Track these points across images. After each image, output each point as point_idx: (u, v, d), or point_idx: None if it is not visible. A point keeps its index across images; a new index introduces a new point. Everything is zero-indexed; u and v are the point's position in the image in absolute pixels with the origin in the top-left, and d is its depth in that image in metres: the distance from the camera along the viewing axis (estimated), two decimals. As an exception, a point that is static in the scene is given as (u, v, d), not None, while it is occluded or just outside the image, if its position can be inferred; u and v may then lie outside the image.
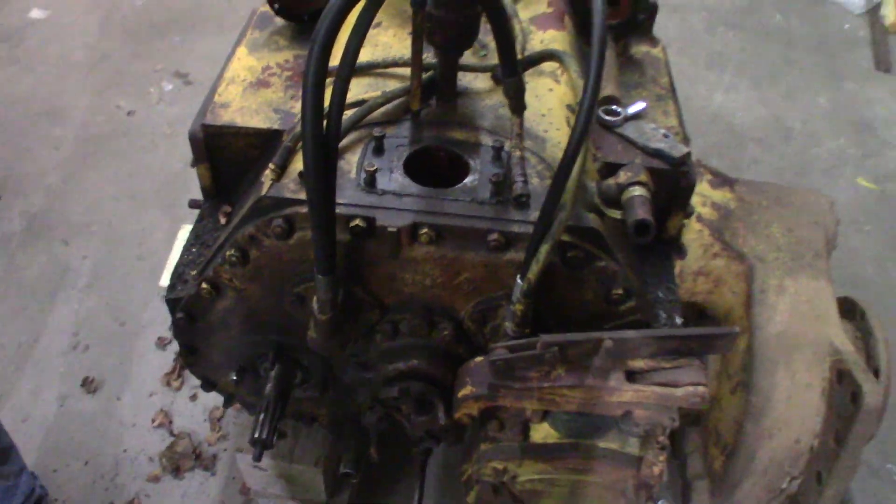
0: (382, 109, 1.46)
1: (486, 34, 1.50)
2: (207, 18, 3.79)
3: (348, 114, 1.42)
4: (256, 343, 1.54)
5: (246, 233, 1.35)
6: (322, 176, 1.14)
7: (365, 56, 1.60)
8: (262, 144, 1.55)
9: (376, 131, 1.39)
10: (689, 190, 1.57)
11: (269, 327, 1.51)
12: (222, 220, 1.65)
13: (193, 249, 1.62)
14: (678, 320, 1.48)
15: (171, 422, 2.28)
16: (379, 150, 1.39)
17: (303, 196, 1.30)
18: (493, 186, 1.31)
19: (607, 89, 1.67)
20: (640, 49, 1.89)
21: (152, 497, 2.13)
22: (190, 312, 1.51)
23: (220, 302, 1.48)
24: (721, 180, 1.95)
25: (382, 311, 1.42)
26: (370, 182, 1.32)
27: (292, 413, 1.75)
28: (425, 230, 1.28)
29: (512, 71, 1.31)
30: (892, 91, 3.77)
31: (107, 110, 3.37)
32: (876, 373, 1.67)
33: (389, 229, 1.28)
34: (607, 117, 1.59)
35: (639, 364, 1.21)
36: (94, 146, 3.20)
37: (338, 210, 1.25)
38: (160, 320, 2.53)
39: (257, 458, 1.51)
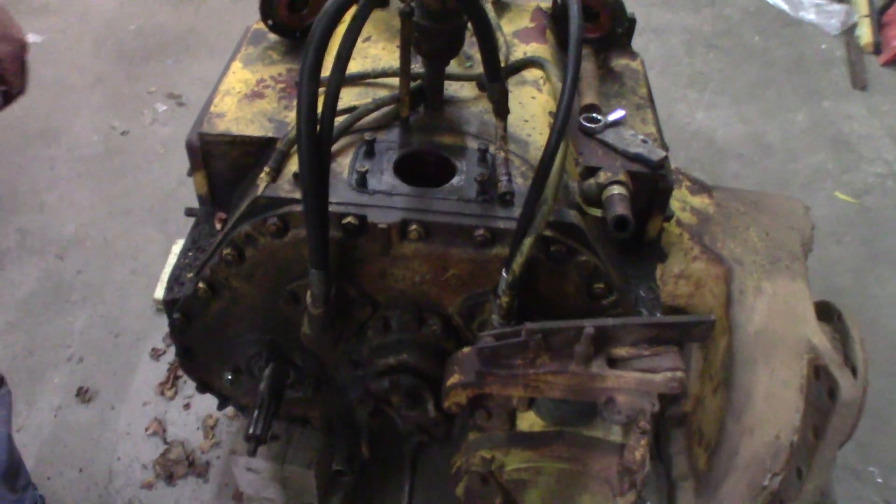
0: (373, 116, 1.53)
1: (471, 46, 1.58)
2: (199, 43, 3.87)
3: (340, 120, 1.48)
4: (251, 343, 1.59)
5: (242, 231, 1.40)
6: (315, 165, 1.20)
7: (355, 68, 1.68)
8: (256, 152, 1.61)
9: (367, 136, 1.46)
10: (668, 192, 1.64)
11: (263, 327, 1.56)
12: (218, 226, 1.71)
13: (190, 254, 1.67)
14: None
15: (164, 430, 2.31)
16: (370, 154, 1.45)
17: (297, 196, 1.36)
18: (479, 185, 1.37)
19: (588, 98, 1.75)
20: (619, 62, 1.96)
21: (146, 504, 2.15)
22: (187, 313, 1.56)
23: (217, 302, 1.52)
24: (699, 187, 2.02)
25: (374, 308, 1.48)
26: (361, 182, 1.39)
27: (285, 415, 1.80)
28: (414, 227, 1.34)
29: (495, 76, 1.38)
30: (868, 108, 3.88)
31: (101, 130, 3.43)
32: (854, 372, 1.72)
33: (380, 226, 1.34)
34: (588, 124, 1.66)
35: (620, 352, 1.27)
36: (89, 165, 3.25)
37: (330, 208, 1.31)
38: (154, 332, 2.56)
39: (252, 453, 1.55)
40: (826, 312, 1.92)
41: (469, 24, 1.33)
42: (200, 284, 1.50)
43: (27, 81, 1.39)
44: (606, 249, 1.49)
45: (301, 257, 1.38)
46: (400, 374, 1.45)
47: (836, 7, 4.43)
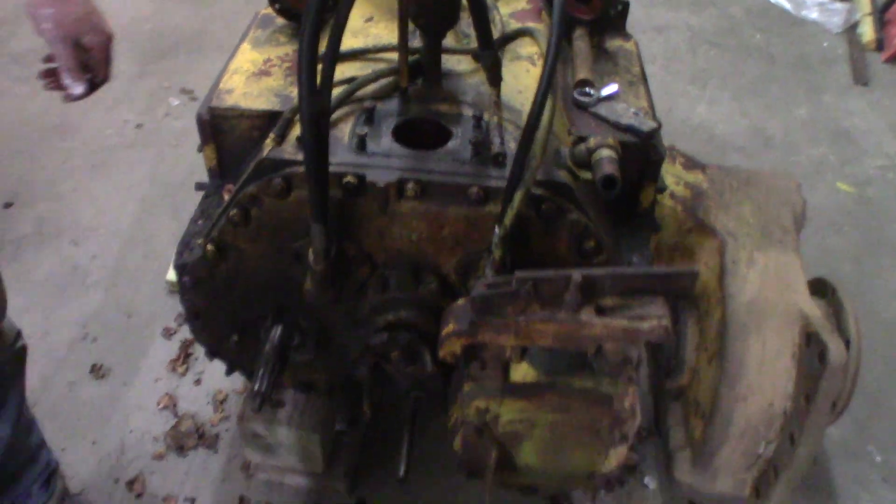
0: (373, 88, 1.61)
1: (469, 26, 1.66)
2: (211, 41, 3.97)
3: (342, 89, 1.56)
4: (257, 305, 1.66)
5: (248, 192, 1.47)
6: (315, 121, 1.27)
7: (358, 45, 1.76)
8: (263, 126, 1.68)
9: (367, 104, 1.53)
10: (659, 163, 1.70)
11: (268, 289, 1.63)
12: (226, 197, 1.78)
13: (199, 222, 1.74)
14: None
15: (175, 404, 2.38)
16: (370, 121, 1.53)
17: (300, 158, 1.43)
18: (473, 147, 1.44)
19: (581, 73, 1.81)
20: (613, 43, 2.03)
21: (156, 474, 2.22)
22: (195, 275, 1.63)
23: (224, 264, 1.59)
24: (693, 164, 2.08)
25: (373, 268, 1.54)
26: (361, 145, 1.46)
27: (291, 382, 1.86)
28: (411, 185, 1.40)
29: (488, 44, 1.45)
30: (870, 103, 3.92)
31: (115, 124, 3.53)
32: (847, 345, 1.77)
33: (378, 184, 1.41)
34: (582, 98, 1.73)
35: (608, 302, 1.33)
36: (103, 157, 3.34)
37: (331, 169, 1.38)
38: (166, 313, 2.64)
39: (257, 410, 1.61)
40: (821, 289, 1.97)
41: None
42: (209, 246, 1.57)
43: (111, 70, 1.49)
44: (598, 213, 1.55)
45: (303, 218, 1.44)
46: (398, 331, 1.52)
47: (839, 5, 4.49)
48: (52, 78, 1.46)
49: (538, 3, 1.98)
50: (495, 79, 1.49)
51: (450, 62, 1.70)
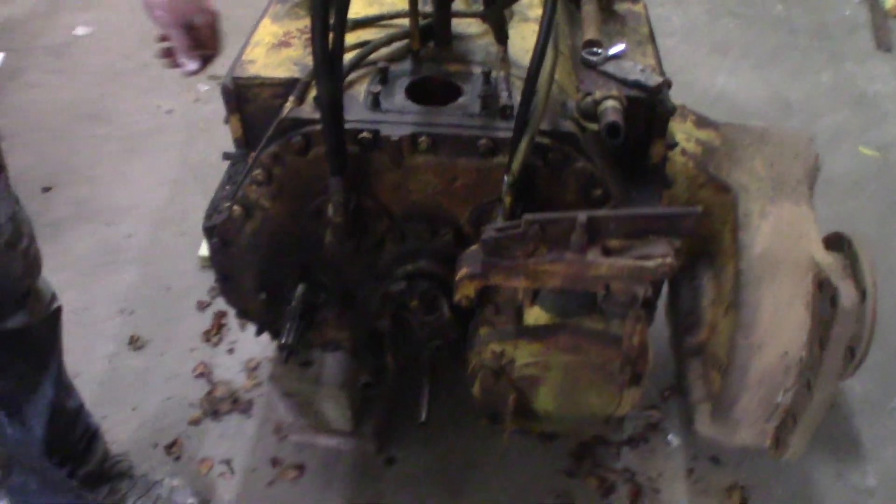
0: (387, 51, 1.68)
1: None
2: (236, 29, 3.98)
3: (356, 52, 1.64)
4: (282, 264, 1.74)
5: (270, 152, 1.55)
6: (328, 63, 1.32)
7: (372, 12, 1.83)
8: (284, 94, 1.75)
9: (381, 65, 1.60)
10: (666, 117, 1.74)
11: (292, 247, 1.71)
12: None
13: (227, 188, 1.83)
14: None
15: (210, 372, 2.48)
16: (383, 80, 1.60)
17: (318, 116, 1.50)
18: (482, 101, 1.51)
19: (590, 34, 1.86)
20: (622, 6, 2.07)
21: (193, 438, 2.32)
22: (224, 237, 1.72)
23: (250, 223, 1.67)
24: (705, 122, 2.11)
25: (391, 221, 1.62)
26: (375, 103, 1.53)
27: (318, 341, 1.94)
28: (423, 138, 1.47)
29: (493, 2, 1.51)
30: (892, 69, 3.90)
31: (148, 110, 3.65)
32: (864, 295, 1.79)
33: (392, 138, 1.48)
34: (590, 57, 1.78)
35: (613, 243, 1.38)
36: (137, 142, 3.47)
37: (347, 126, 1.45)
38: (200, 286, 2.75)
39: (284, 361, 1.69)
40: (837, 243, 1.99)
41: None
42: (235, 207, 1.65)
43: (221, 44, 1.61)
44: (606, 163, 1.60)
45: (323, 174, 1.52)
46: (416, 280, 1.59)
47: (861, -27, 4.46)
48: (169, 57, 1.57)
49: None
50: (501, 36, 1.55)
51: (460, 26, 1.77)
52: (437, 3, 1.63)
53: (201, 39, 1.53)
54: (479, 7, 1.81)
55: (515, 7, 1.85)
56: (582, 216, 1.32)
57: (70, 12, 4.39)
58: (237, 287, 1.83)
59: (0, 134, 1.56)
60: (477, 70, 1.62)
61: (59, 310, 1.91)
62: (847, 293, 1.67)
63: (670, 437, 2.37)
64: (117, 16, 4.32)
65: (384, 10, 1.85)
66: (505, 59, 1.55)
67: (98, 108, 3.66)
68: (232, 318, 2.63)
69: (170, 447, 2.31)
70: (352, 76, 1.62)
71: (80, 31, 4.23)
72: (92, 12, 4.38)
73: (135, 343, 2.58)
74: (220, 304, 2.65)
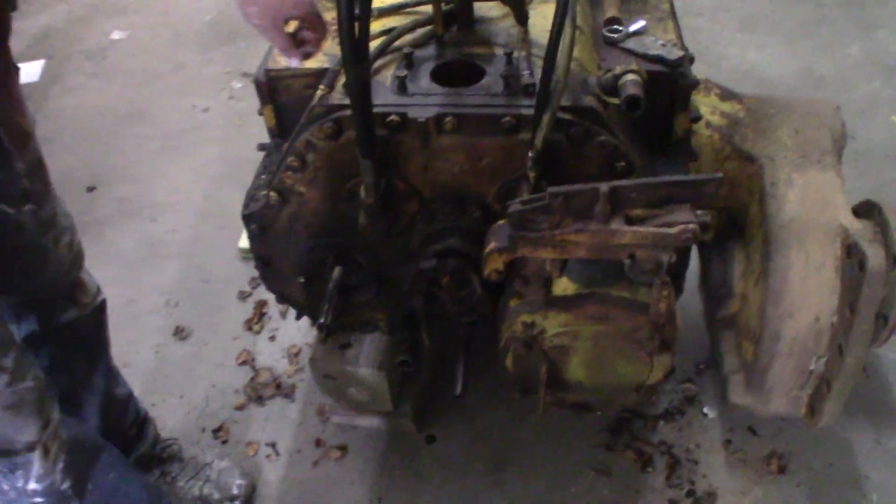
0: (412, 37, 1.73)
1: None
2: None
3: (382, 40, 1.69)
4: (319, 248, 1.80)
5: (303, 139, 1.61)
6: (355, 51, 1.37)
7: (396, 1, 1.88)
8: (315, 84, 1.81)
9: (406, 50, 1.65)
10: (688, 90, 1.77)
11: (328, 231, 1.77)
12: (285, 152, 1.92)
13: (263, 177, 1.90)
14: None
15: (253, 360, 2.56)
16: (409, 65, 1.65)
17: (347, 102, 1.56)
18: (504, 80, 1.55)
19: (610, 12, 1.89)
20: (642, -17, 2.09)
21: (239, 423, 2.40)
22: (262, 223, 1.78)
23: (286, 209, 1.74)
24: (729, 94, 2.13)
25: (421, 202, 1.67)
26: (401, 87, 1.58)
27: (356, 322, 2.00)
28: (449, 119, 1.52)
29: None
30: (926, 36, 3.85)
31: (184, 109, 3.75)
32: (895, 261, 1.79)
33: (419, 120, 1.53)
34: (611, 34, 1.81)
35: (637, 212, 1.42)
36: (175, 140, 3.57)
37: (375, 110, 1.50)
38: (240, 277, 2.83)
39: (323, 341, 1.75)
40: (867, 210, 1.99)
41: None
42: (272, 194, 1.71)
43: (324, 27, 1.53)
44: (629, 137, 1.63)
45: (354, 158, 1.57)
46: (447, 258, 1.64)
47: (892, -60, 4.39)
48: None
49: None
50: (521, 16, 1.59)
51: (482, 10, 1.81)
52: (459, -14, 1.68)
53: (301, 36, 1.48)
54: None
55: (536, -12, 1.89)
56: (604, 186, 1.36)
57: (106, 17, 4.52)
58: (277, 272, 1.90)
59: (34, 133, 1.61)
60: (499, 51, 1.66)
61: (104, 302, 2.00)
62: (875, 257, 1.67)
63: (706, 409, 2.38)
64: (150, 19, 4.45)
65: (407, -1, 1.90)
66: (526, 39, 1.59)
67: (137, 109, 3.77)
68: (273, 307, 2.71)
69: (217, 431, 2.39)
70: (379, 62, 1.68)
71: (116, 35, 4.35)
72: (127, 18, 4.50)
73: (180, 334, 2.67)
74: (261, 293, 2.75)
